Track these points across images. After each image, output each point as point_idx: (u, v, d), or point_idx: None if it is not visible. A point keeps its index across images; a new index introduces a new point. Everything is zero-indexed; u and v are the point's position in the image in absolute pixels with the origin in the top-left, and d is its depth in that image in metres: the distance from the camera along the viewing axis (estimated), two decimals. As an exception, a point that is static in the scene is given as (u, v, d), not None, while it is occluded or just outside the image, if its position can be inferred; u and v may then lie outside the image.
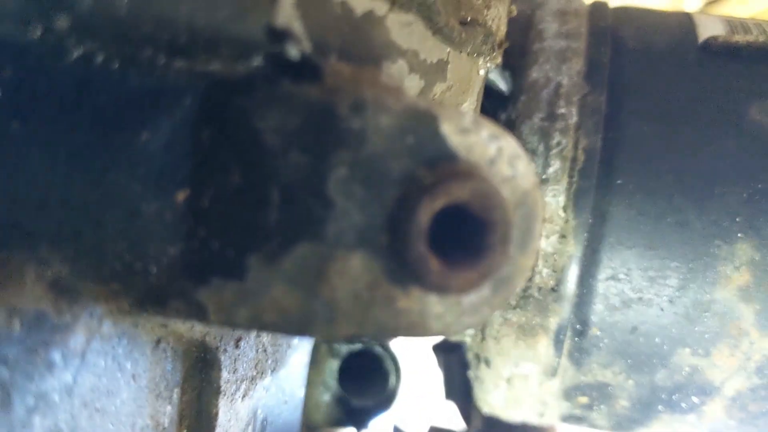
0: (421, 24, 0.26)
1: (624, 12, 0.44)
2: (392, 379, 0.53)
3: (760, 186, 0.37)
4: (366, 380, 0.54)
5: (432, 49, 0.27)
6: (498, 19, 0.35)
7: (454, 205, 0.21)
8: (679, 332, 0.38)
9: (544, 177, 0.38)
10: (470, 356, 0.45)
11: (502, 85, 0.41)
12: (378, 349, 0.53)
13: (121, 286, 0.22)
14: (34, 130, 0.20)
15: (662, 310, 0.38)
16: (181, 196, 0.21)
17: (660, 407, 0.41)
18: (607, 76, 0.39)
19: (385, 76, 0.25)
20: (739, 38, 0.40)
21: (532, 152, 0.38)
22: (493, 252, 0.22)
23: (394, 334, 0.23)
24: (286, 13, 0.20)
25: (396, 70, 0.25)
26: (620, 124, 0.38)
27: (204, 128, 0.21)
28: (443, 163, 0.22)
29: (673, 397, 0.40)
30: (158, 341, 0.27)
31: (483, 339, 0.42)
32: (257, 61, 0.20)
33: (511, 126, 0.40)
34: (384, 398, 0.53)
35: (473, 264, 0.22)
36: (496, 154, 0.22)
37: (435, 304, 0.22)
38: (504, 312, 0.40)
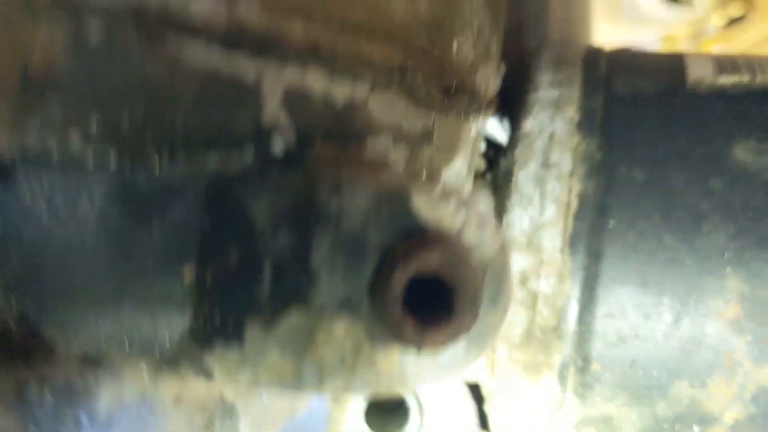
0: (402, 99, 0.29)
1: (617, 57, 0.46)
2: (414, 416, 0.55)
3: (746, 222, 0.38)
4: (389, 416, 0.56)
5: (415, 120, 0.30)
6: (486, 80, 0.37)
7: (425, 273, 0.24)
8: (676, 365, 0.39)
9: (540, 222, 0.40)
10: (485, 392, 0.47)
11: (500, 134, 0.44)
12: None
13: (140, 354, 0.25)
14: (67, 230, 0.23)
15: (658, 344, 0.39)
16: (188, 275, 0.24)
17: (665, 437, 0.42)
18: (599, 123, 0.41)
19: (368, 151, 0.28)
20: (725, 79, 0.42)
21: (528, 199, 0.41)
22: (463, 314, 0.24)
23: (378, 389, 0.25)
24: (273, 113, 0.24)
25: (380, 144, 0.28)
26: (611, 169, 0.40)
27: (206, 216, 0.24)
28: (415, 234, 0.24)
29: (676, 426, 0.41)
30: (178, 397, 0.30)
31: (493, 377, 0.44)
32: (248, 155, 0.24)
33: (509, 174, 0.42)
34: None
35: (445, 325, 0.24)
36: (464, 223, 0.25)
37: (413, 362, 0.25)
38: (510, 351, 0.42)
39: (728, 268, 0.38)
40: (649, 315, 0.39)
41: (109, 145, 0.21)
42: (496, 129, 0.43)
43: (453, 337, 0.24)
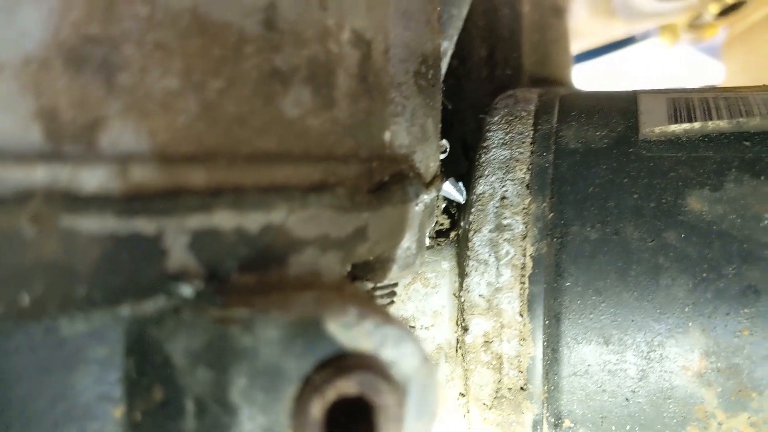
0: (326, 212, 0.30)
1: (569, 105, 0.46)
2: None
3: (704, 274, 0.38)
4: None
5: (345, 225, 0.31)
6: (426, 160, 0.38)
7: (345, 397, 0.25)
8: (647, 419, 0.40)
9: (497, 286, 0.41)
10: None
11: (458, 197, 0.44)
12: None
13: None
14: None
15: (627, 400, 0.39)
16: (118, 413, 0.26)
17: (647, 486, 0.42)
18: (550, 181, 0.42)
19: (293, 269, 0.29)
20: (676, 128, 0.41)
21: (484, 263, 0.41)
22: (387, 430, 0.25)
23: None
24: (179, 258, 0.24)
25: (306, 258, 0.29)
26: (563, 228, 0.40)
27: (128, 357, 0.25)
28: (331, 361, 0.25)
29: (657, 476, 0.42)
30: None
31: (470, 434, 0.45)
32: (160, 301, 0.25)
33: (466, 238, 0.43)
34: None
35: (370, 447, 0.25)
36: (381, 342, 0.26)
37: (343, 481, 0.26)
38: (482, 412, 0.42)
39: (689, 323, 0.38)
40: (614, 372, 0.39)
41: (19, 319, 0.22)
42: (453, 191, 0.44)
43: (378, 459, 0.25)
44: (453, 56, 0.65)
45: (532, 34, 0.74)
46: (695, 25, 1.39)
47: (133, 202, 0.23)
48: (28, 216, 0.21)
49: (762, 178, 0.39)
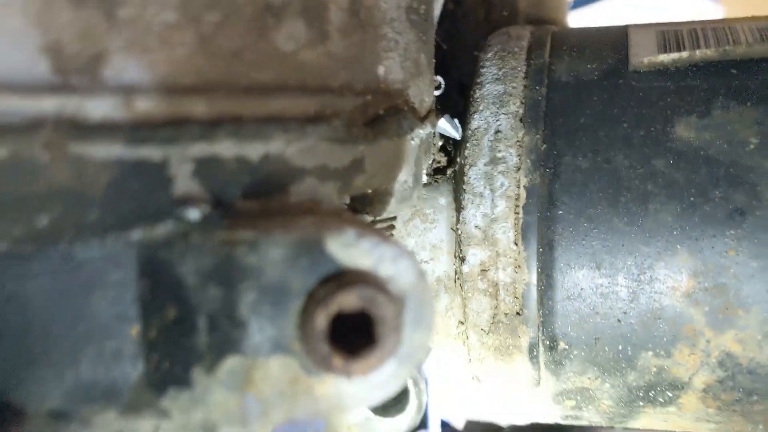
0: (323, 143, 0.31)
1: (561, 41, 0.47)
2: (414, 397, 0.58)
3: (691, 199, 0.40)
4: (391, 403, 0.59)
5: (342, 156, 0.32)
6: (420, 95, 0.39)
7: (347, 310, 0.26)
8: (639, 339, 0.41)
9: (493, 216, 0.42)
10: (471, 375, 0.50)
11: (453, 133, 0.45)
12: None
13: (104, 404, 0.28)
14: (23, 306, 0.26)
15: (619, 321, 0.41)
16: (134, 332, 0.27)
17: (641, 403, 0.45)
18: (542, 115, 0.43)
19: (293, 197, 0.30)
20: (664, 57, 0.42)
21: (480, 196, 0.43)
22: (385, 340, 0.27)
23: (320, 415, 0.28)
24: (184, 184, 0.26)
25: (305, 187, 0.31)
26: (556, 159, 0.42)
27: (142, 279, 0.27)
28: (333, 276, 0.27)
29: (650, 393, 0.44)
30: (156, 429, 0.33)
31: (470, 361, 0.46)
32: (169, 225, 0.26)
33: (462, 172, 0.44)
34: (411, 421, 0.58)
35: (371, 351, 0.27)
36: (378, 260, 0.27)
37: (347, 386, 0.28)
38: (480, 336, 0.44)
39: (678, 245, 0.40)
40: (606, 295, 0.41)
41: (38, 242, 0.24)
42: (449, 127, 0.45)
43: (378, 362, 0.27)
44: None
45: (528, -25, 0.74)
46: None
47: (138, 130, 0.24)
48: (40, 143, 0.22)
49: (748, 104, 0.40)
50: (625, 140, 0.41)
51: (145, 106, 0.25)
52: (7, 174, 0.22)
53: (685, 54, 0.42)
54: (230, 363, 0.27)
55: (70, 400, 0.27)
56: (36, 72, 0.23)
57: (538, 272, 0.42)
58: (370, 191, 0.36)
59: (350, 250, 0.27)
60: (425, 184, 0.48)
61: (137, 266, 0.27)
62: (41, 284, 0.26)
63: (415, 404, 0.58)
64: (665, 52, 0.43)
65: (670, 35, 0.45)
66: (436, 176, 0.48)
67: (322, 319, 0.26)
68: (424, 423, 0.88)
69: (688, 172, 0.40)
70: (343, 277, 0.27)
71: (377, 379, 0.28)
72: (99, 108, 0.23)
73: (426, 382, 0.67)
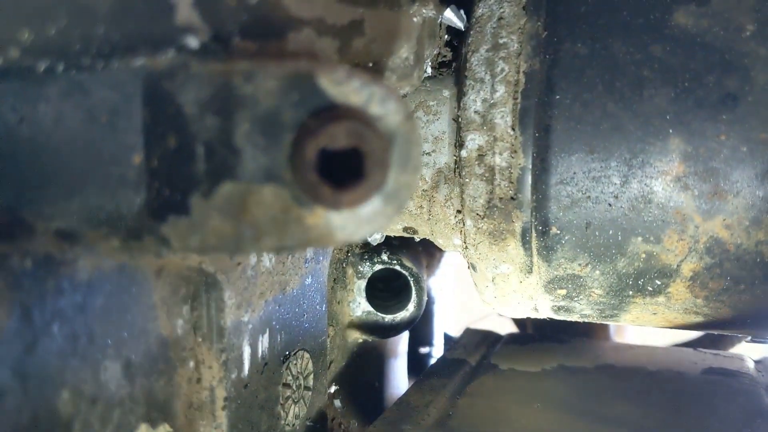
0: (321, -4, 0.32)
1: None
2: (415, 297, 0.60)
3: (686, 84, 0.40)
4: (392, 297, 0.61)
5: (340, 13, 0.33)
6: (422, -30, 0.40)
7: (336, 143, 0.28)
8: (629, 223, 0.43)
9: (492, 101, 0.43)
10: (467, 264, 0.51)
11: (458, 23, 0.46)
12: (398, 269, 0.60)
13: (108, 230, 0.30)
14: (34, 129, 0.28)
15: (610, 205, 0.42)
16: (137, 159, 0.29)
17: (630, 292, 0.46)
18: (545, 2, 0.44)
19: (291, 45, 0.32)
20: (667, -53, 0.43)
21: (480, 81, 0.44)
22: (372, 174, 0.28)
23: (310, 245, 0.30)
24: (185, 14, 0.27)
25: (303, 37, 0.32)
26: (556, 45, 0.42)
27: (145, 108, 0.29)
28: (324, 111, 0.28)
29: (639, 282, 0.45)
30: (160, 270, 0.35)
31: (466, 248, 0.48)
32: (171, 54, 0.28)
33: (465, 59, 0.45)
34: (411, 314, 0.60)
35: (358, 184, 0.28)
36: (368, 98, 0.28)
37: (336, 218, 0.29)
38: (475, 221, 0.46)
39: (670, 130, 0.41)
40: (598, 179, 0.42)
41: (47, 54, 0.25)
42: (454, 17, 0.46)
43: (366, 195, 0.28)
44: None
45: None
46: None
47: (142, -48, 0.26)
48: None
49: (748, -9, 0.40)
50: (624, 27, 0.42)
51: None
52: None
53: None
54: (226, 189, 0.28)
55: (76, 222, 0.29)
56: None
57: (533, 156, 0.43)
58: (369, 61, 0.37)
59: (341, 86, 0.28)
60: (430, 77, 0.49)
61: (141, 95, 0.28)
62: (52, 108, 0.28)
63: (415, 300, 0.60)
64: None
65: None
66: (440, 69, 0.49)
67: (311, 149, 0.28)
68: (429, 341, 0.90)
69: (684, 58, 0.40)
70: (333, 112, 0.28)
71: (364, 212, 0.29)
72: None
73: (429, 291, 0.69)
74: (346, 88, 0.28)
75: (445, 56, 0.49)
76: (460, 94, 0.45)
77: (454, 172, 0.47)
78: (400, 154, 0.29)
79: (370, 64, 0.38)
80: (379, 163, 0.28)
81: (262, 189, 0.28)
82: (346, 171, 0.29)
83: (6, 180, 0.28)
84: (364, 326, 0.60)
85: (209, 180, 0.28)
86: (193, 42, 0.27)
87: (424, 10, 0.40)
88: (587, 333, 0.82)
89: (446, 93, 0.48)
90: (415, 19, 0.39)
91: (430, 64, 0.47)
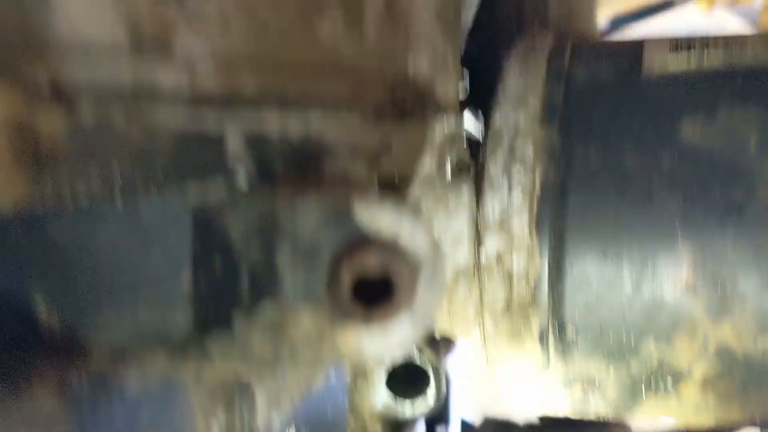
0: (356, 123, 0.35)
1: (581, 47, 0.51)
2: (434, 388, 0.61)
3: (693, 194, 0.43)
4: (412, 389, 0.63)
5: (371, 137, 0.36)
6: (445, 87, 0.43)
7: (369, 271, 0.30)
8: (641, 328, 0.44)
9: (510, 208, 0.46)
10: (485, 357, 0.53)
11: (477, 130, 0.49)
12: (418, 362, 0.62)
13: (157, 345, 0.32)
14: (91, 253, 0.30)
15: (623, 308, 0.44)
16: (185, 279, 0.31)
17: (643, 392, 0.47)
18: (559, 113, 0.46)
19: (327, 171, 0.34)
20: (674, 64, 0.46)
21: (498, 187, 0.46)
22: (402, 296, 0.30)
23: (341, 362, 0.32)
24: (235, 151, 0.30)
25: (338, 163, 0.34)
26: (570, 155, 0.45)
27: (194, 234, 0.31)
28: (358, 241, 0.30)
29: (651, 382, 0.46)
30: (199, 377, 0.37)
31: (484, 343, 0.50)
32: (221, 188, 0.30)
33: (483, 164, 0.47)
34: (430, 405, 0.61)
35: (388, 306, 0.30)
36: (399, 229, 0.31)
37: (366, 338, 0.31)
38: (494, 321, 0.47)
39: (679, 238, 0.43)
40: (611, 283, 0.44)
41: (110, 192, 0.28)
42: (473, 125, 0.48)
43: (395, 315, 0.30)
44: (482, 10, 0.69)
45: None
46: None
47: (198, 100, 0.28)
48: (120, 109, 0.26)
49: (751, 107, 0.43)
50: (635, 139, 0.44)
51: (205, 78, 0.29)
52: (92, 137, 0.26)
53: (693, 62, 0.45)
54: (267, 309, 0.31)
55: (128, 339, 0.31)
56: (117, 46, 0.27)
57: (549, 261, 0.45)
58: (395, 173, 0.40)
59: (374, 218, 0.31)
60: (450, 179, 0.52)
61: (191, 222, 0.31)
62: (110, 236, 0.30)
63: (434, 390, 0.62)
64: (676, 62, 0.46)
65: (682, 46, 0.48)
66: (461, 171, 0.51)
67: (347, 275, 0.30)
68: (445, 419, 0.91)
69: (692, 169, 0.43)
70: (367, 241, 0.30)
71: (393, 331, 0.31)
72: (168, 78, 0.28)
73: (448, 378, 0.71)
74: (379, 221, 0.31)
75: (464, 159, 0.52)
76: (479, 199, 0.47)
77: (474, 271, 0.49)
78: (427, 279, 0.31)
79: (395, 174, 0.41)
80: (408, 288, 0.30)
81: (300, 310, 0.31)
82: (376, 289, 0.31)
83: (65, 298, 0.31)
84: (383, 416, 0.61)
85: (252, 300, 0.31)
86: (241, 178, 0.30)
87: (445, 120, 0.42)
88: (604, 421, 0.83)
89: (465, 194, 0.50)
90: (437, 130, 0.42)
91: (450, 168, 0.50)
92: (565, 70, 0.48)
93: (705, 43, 0.47)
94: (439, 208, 0.50)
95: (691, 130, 0.43)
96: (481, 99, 0.55)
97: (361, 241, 0.30)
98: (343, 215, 0.30)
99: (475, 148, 0.52)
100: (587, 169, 0.44)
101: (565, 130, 0.46)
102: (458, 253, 0.50)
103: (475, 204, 0.49)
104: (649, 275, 0.43)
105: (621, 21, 1.50)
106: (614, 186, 0.44)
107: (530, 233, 0.45)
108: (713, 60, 0.45)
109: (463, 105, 0.48)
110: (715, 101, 0.44)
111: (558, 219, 0.45)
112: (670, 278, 0.43)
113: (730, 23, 1.86)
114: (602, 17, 1.49)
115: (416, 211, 0.33)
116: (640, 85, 0.46)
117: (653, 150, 0.44)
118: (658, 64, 0.46)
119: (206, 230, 0.31)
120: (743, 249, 0.42)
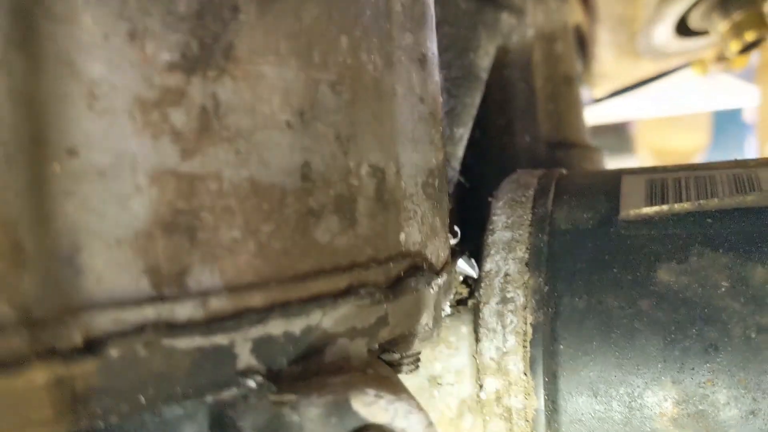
0: (352, 311, 0.39)
1: (563, 188, 0.55)
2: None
3: (672, 335, 0.46)
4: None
5: (368, 317, 0.40)
6: (436, 251, 0.47)
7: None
8: (634, 458, 0.47)
9: (504, 350, 0.49)
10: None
11: (471, 272, 0.53)
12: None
13: None
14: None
15: (616, 442, 0.47)
16: (202, 469, 0.35)
17: None
18: (545, 260, 0.50)
19: (328, 357, 0.38)
20: (649, 210, 0.50)
21: (493, 331, 0.50)
22: (399, 480, 0.34)
23: None
24: (245, 360, 0.34)
25: (338, 347, 0.38)
26: (557, 300, 0.49)
27: (211, 428, 0.35)
28: (359, 429, 0.34)
29: None
30: None
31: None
32: (234, 390, 0.34)
33: (478, 309, 0.51)
34: None
35: (388, 489, 0.34)
36: (393, 415, 0.35)
37: None
38: (497, 455, 0.51)
39: (662, 377, 0.46)
40: (603, 419, 0.47)
41: (135, 409, 0.32)
42: (467, 267, 0.53)
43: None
44: (475, 126, 0.74)
45: (547, 104, 0.82)
46: (723, 58, 1.44)
47: (211, 324, 0.33)
48: (142, 342, 0.31)
49: (720, 251, 0.47)
50: (615, 283, 0.48)
51: (216, 304, 0.33)
52: (117, 367, 0.30)
53: (665, 207, 0.49)
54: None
55: None
56: (139, 289, 0.31)
57: (545, 399, 0.48)
58: (394, 342, 0.44)
59: (371, 407, 0.34)
60: (449, 315, 0.55)
61: (208, 421, 0.35)
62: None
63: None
64: (650, 204, 0.50)
65: (657, 186, 0.52)
66: (458, 306, 0.55)
67: (350, 461, 0.34)
68: None
69: (670, 312, 0.46)
70: (366, 430, 0.34)
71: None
72: (184, 311, 0.32)
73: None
74: (375, 408, 0.35)
75: (461, 293, 0.56)
76: (476, 340, 0.51)
77: (476, 403, 0.53)
78: (424, 458, 0.35)
79: (394, 337, 0.44)
80: (405, 471, 0.34)
81: (310, 496, 0.34)
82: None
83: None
84: None
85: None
86: (251, 383, 0.34)
87: (438, 281, 0.46)
88: None
89: (464, 330, 0.54)
90: (431, 291, 0.46)
91: (448, 303, 0.54)
92: (548, 216, 0.52)
93: (678, 188, 0.50)
94: (441, 343, 0.54)
95: (667, 274, 0.47)
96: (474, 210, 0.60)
97: (360, 428, 0.34)
98: (342, 407, 0.34)
99: (470, 279, 0.56)
100: (574, 313, 0.48)
101: (552, 276, 0.49)
102: (461, 386, 0.54)
103: (474, 337, 0.53)
104: (637, 411, 0.47)
105: (619, 92, 1.55)
106: (600, 329, 0.47)
107: (525, 372, 0.49)
108: (684, 207, 0.49)
109: (454, 252, 0.53)
110: (688, 244, 0.48)
111: (550, 360, 0.48)
112: (657, 414, 0.46)
113: (726, 82, 1.90)
114: (600, 92, 1.54)
115: (410, 397, 0.37)
116: (617, 229, 0.50)
117: (633, 294, 0.47)
118: (633, 212, 0.50)
119: (221, 426, 0.35)
120: (721, 385, 0.45)
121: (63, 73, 0.29)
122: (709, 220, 0.48)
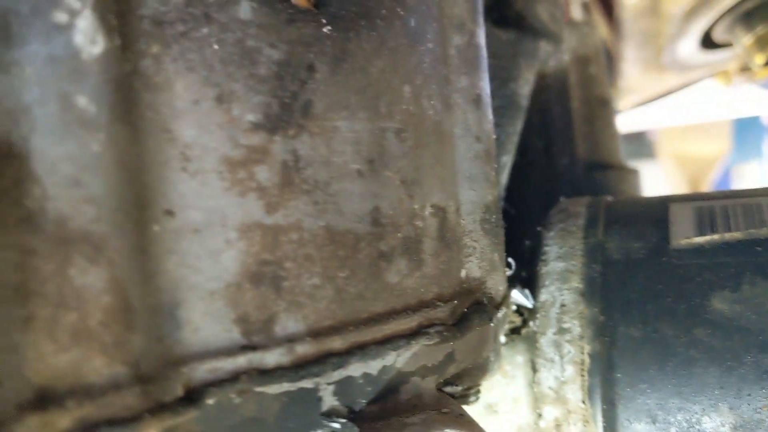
0: (422, 350, 0.41)
1: (612, 218, 0.56)
2: None
3: (728, 363, 0.47)
4: None
5: (437, 355, 0.42)
6: (496, 285, 0.48)
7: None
8: (694, 484, 0.48)
9: (563, 379, 0.51)
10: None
11: (525, 302, 0.54)
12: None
13: None
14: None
15: (675, 469, 0.48)
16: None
17: None
18: (599, 289, 0.51)
19: (402, 395, 0.40)
20: (700, 239, 0.51)
21: (551, 361, 0.51)
22: None
23: None
24: (329, 402, 0.36)
25: (411, 385, 0.40)
26: (612, 330, 0.50)
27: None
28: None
29: None
30: None
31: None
32: (320, 430, 0.36)
33: (534, 339, 0.53)
34: None
35: None
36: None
37: None
38: (557, 481, 0.52)
39: (719, 403, 0.47)
40: (662, 446, 0.48)
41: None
42: (521, 298, 0.54)
43: None
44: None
45: (583, 126, 0.83)
46: (747, 69, 1.45)
47: (298, 369, 0.34)
48: (236, 390, 0.33)
49: (770, 279, 0.48)
50: (670, 312, 0.49)
51: (301, 349, 0.35)
52: (213, 414, 0.32)
53: (716, 236, 0.50)
54: None
55: None
56: (232, 338, 0.33)
57: (603, 427, 0.49)
58: (460, 371, 0.45)
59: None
60: (504, 344, 0.57)
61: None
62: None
63: None
64: (701, 234, 0.51)
65: (705, 215, 0.53)
66: (512, 335, 0.57)
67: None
68: None
69: (724, 340, 0.47)
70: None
71: None
72: (273, 358, 0.34)
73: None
74: (451, 446, 0.36)
75: (514, 322, 0.57)
76: (534, 369, 0.52)
77: (534, 431, 0.54)
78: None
79: (459, 371, 0.46)
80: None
81: None
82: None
83: None
84: None
85: None
86: (335, 424, 0.36)
87: (499, 314, 0.48)
88: None
89: (519, 359, 0.55)
90: (492, 324, 0.47)
91: (503, 334, 0.55)
92: (600, 245, 0.53)
93: (726, 217, 0.52)
94: (497, 375, 0.55)
95: (720, 302, 0.48)
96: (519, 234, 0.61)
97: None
98: (420, 447, 0.36)
99: (522, 308, 0.57)
100: (630, 342, 0.49)
101: (607, 306, 0.51)
102: (518, 414, 0.55)
103: (530, 366, 0.54)
104: (696, 438, 0.47)
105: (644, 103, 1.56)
106: (656, 357, 0.48)
107: (583, 401, 0.50)
108: (734, 236, 0.50)
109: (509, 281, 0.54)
110: (740, 273, 0.49)
111: (608, 389, 0.49)
112: (716, 440, 0.47)
113: (746, 91, 1.89)
114: (625, 105, 1.55)
115: (479, 427, 0.38)
116: (669, 258, 0.51)
117: (688, 323, 0.48)
118: (685, 240, 0.51)
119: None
120: (780, 412, 0.46)
121: (161, 139, 0.31)
122: (760, 248, 0.49)
